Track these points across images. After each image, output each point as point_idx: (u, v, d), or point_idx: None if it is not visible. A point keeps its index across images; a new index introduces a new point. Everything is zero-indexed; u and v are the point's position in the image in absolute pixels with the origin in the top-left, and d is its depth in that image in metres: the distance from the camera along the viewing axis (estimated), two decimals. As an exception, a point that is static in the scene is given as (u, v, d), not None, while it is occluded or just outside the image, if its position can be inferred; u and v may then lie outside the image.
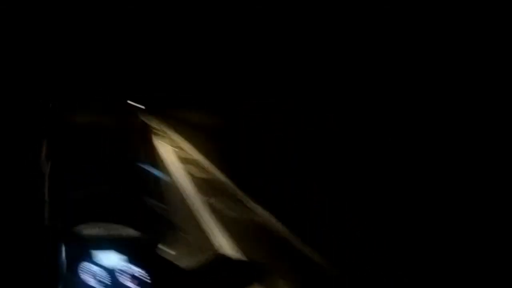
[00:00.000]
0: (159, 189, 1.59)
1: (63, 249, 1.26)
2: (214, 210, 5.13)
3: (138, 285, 1.28)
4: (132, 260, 1.29)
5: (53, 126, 1.31)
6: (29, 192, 0.99)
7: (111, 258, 1.27)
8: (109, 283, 1.28)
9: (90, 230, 1.28)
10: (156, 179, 1.64)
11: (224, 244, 4.12)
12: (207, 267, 1.31)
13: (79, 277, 1.26)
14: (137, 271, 1.28)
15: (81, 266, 1.26)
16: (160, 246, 1.33)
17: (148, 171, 1.65)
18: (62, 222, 1.19)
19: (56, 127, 1.37)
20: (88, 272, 1.27)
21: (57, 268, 1.10)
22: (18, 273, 0.95)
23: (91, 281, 1.27)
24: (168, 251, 1.33)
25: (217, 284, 1.28)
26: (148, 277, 1.29)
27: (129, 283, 1.29)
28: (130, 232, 1.30)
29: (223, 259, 1.33)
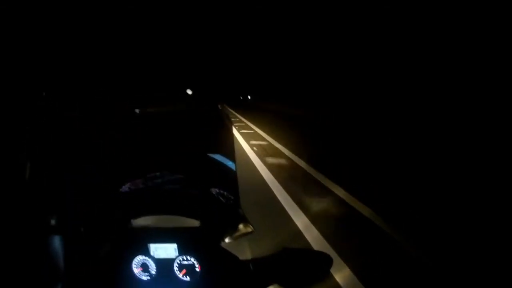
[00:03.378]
0: (227, 179, 1.51)
1: (117, 242, 1.20)
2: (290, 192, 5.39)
3: (197, 277, 1.21)
4: (192, 251, 1.21)
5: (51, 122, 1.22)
6: (26, 190, 0.91)
7: (168, 250, 1.21)
8: (164, 276, 1.22)
9: (147, 221, 1.22)
10: (225, 168, 1.55)
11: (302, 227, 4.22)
12: (270, 259, 1.24)
13: (132, 271, 1.22)
14: (194, 262, 1.21)
15: (136, 260, 1.22)
16: (223, 236, 1.24)
17: (217, 161, 1.57)
18: (60, 218, 1.10)
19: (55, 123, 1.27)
20: (143, 265, 1.22)
21: (57, 267, 1.04)
22: (18, 273, 0.91)
23: (144, 275, 1.22)
24: (232, 241, 1.26)
25: (278, 276, 1.21)
26: (207, 268, 1.21)
27: (185, 276, 1.21)
28: (190, 222, 1.22)
29: (291, 252, 1.25)
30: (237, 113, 27.15)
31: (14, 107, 0.84)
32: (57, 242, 1.01)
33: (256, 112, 28.53)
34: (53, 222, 1.02)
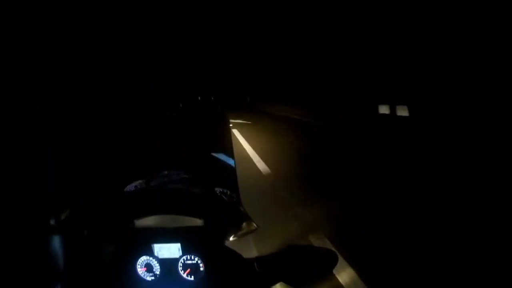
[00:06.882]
0: (228, 177, 1.50)
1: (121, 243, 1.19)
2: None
3: (201, 276, 1.20)
4: (195, 250, 1.20)
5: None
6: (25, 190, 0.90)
7: (172, 250, 1.20)
8: (168, 276, 1.21)
9: (150, 221, 1.20)
10: (226, 166, 1.54)
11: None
12: (275, 258, 1.23)
13: (136, 272, 1.21)
14: (198, 261, 1.20)
15: (140, 260, 1.21)
16: (227, 235, 1.22)
17: (218, 159, 1.56)
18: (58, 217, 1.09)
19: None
20: (147, 266, 1.21)
21: (57, 267, 1.02)
22: (17, 273, 0.89)
23: (148, 275, 1.21)
24: (235, 240, 1.25)
25: (283, 275, 1.20)
26: (211, 267, 1.19)
27: (189, 276, 1.20)
28: (193, 221, 1.20)
29: (296, 249, 1.24)
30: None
31: (14, 109, 0.83)
32: (57, 242, 1.00)
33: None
34: (52, 222, 1.00)
